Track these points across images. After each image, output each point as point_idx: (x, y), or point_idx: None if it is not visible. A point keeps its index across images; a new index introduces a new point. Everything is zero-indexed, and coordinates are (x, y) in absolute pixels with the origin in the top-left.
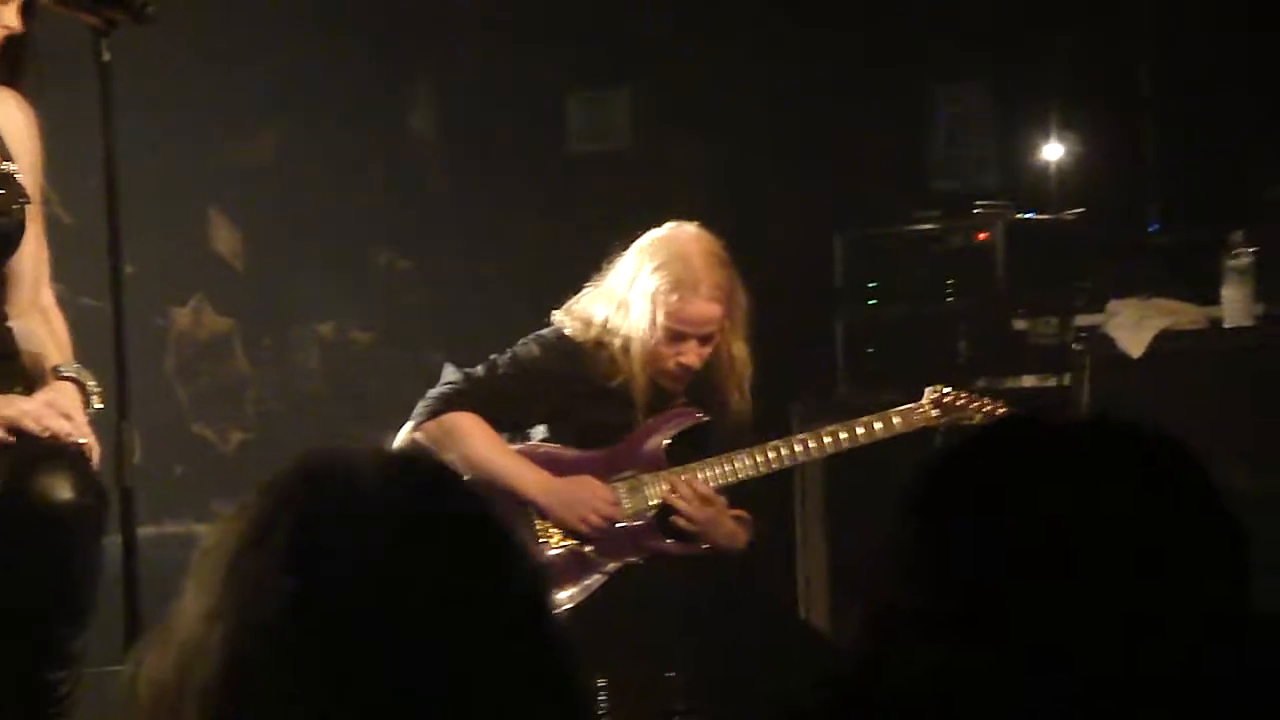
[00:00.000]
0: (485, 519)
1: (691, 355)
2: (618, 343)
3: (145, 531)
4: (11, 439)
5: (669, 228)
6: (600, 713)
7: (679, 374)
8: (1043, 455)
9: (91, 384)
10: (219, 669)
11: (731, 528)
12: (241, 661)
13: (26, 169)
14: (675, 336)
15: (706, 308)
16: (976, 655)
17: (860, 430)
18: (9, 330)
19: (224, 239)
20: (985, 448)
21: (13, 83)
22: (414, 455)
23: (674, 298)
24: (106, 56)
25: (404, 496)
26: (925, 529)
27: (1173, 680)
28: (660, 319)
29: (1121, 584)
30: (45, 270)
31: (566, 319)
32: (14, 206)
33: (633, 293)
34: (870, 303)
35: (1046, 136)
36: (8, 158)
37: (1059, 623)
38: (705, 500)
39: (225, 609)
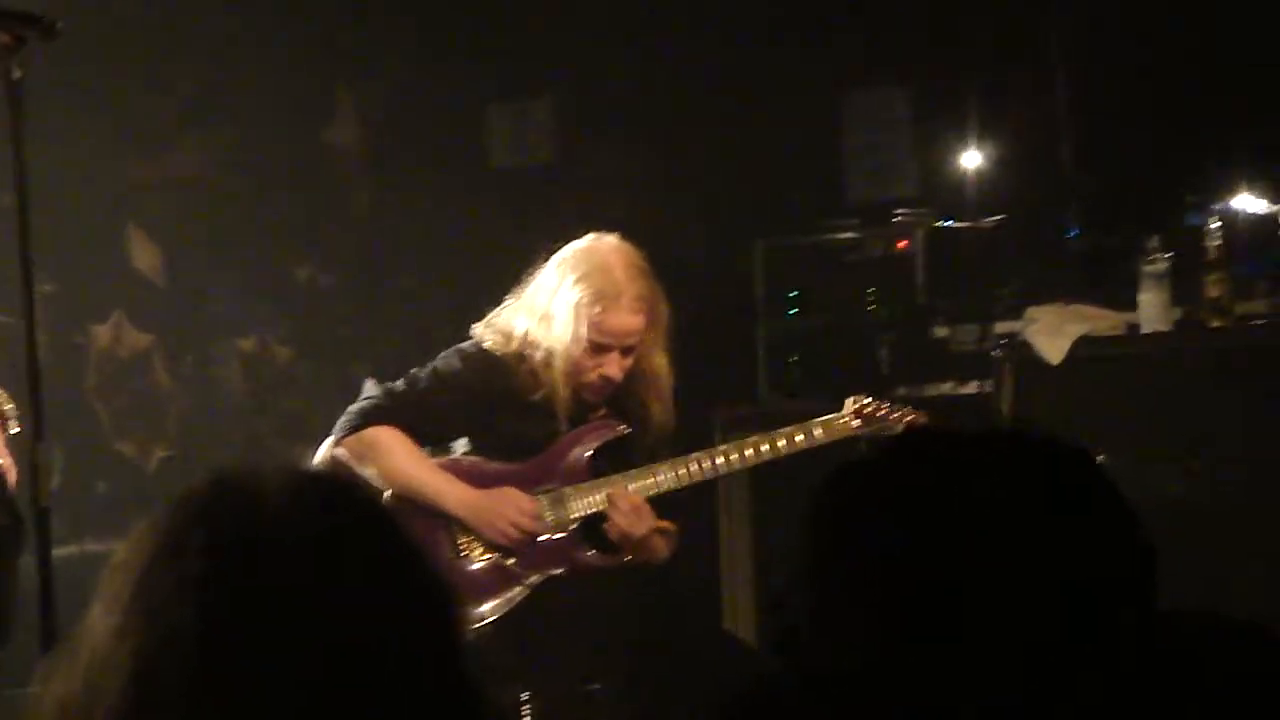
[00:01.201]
0: (392, 537)
1: (613, 367)
2: (539, 355)
3: (66, 551)
4: None
5: (590, 239)
6: None
7: (601, 386)
8: (943, 466)
9: (8, 406)
10: (126, 685)
11: (656, 541)
12: (149, 678)
13: None
14: (597, 348)
15: (629, 319)
16: (864, 666)
17: (782, 442)
18: None
19: (143, 255)
20: (884, 459)
21: None
22: (322, 473)
23: (596, 309)
24: (17, 74)
25: (311, 515)
26: (820, 539)
27: (1073, 695)
28: (582, 331)
29: (1015, 597)
30: None
31: (487, 332)
32: None
33: (554, 305)
34: (791, 312)
35: (964, 144)
36: None
37: (949, 638)
38: (639, 512)
39: (133, 625)
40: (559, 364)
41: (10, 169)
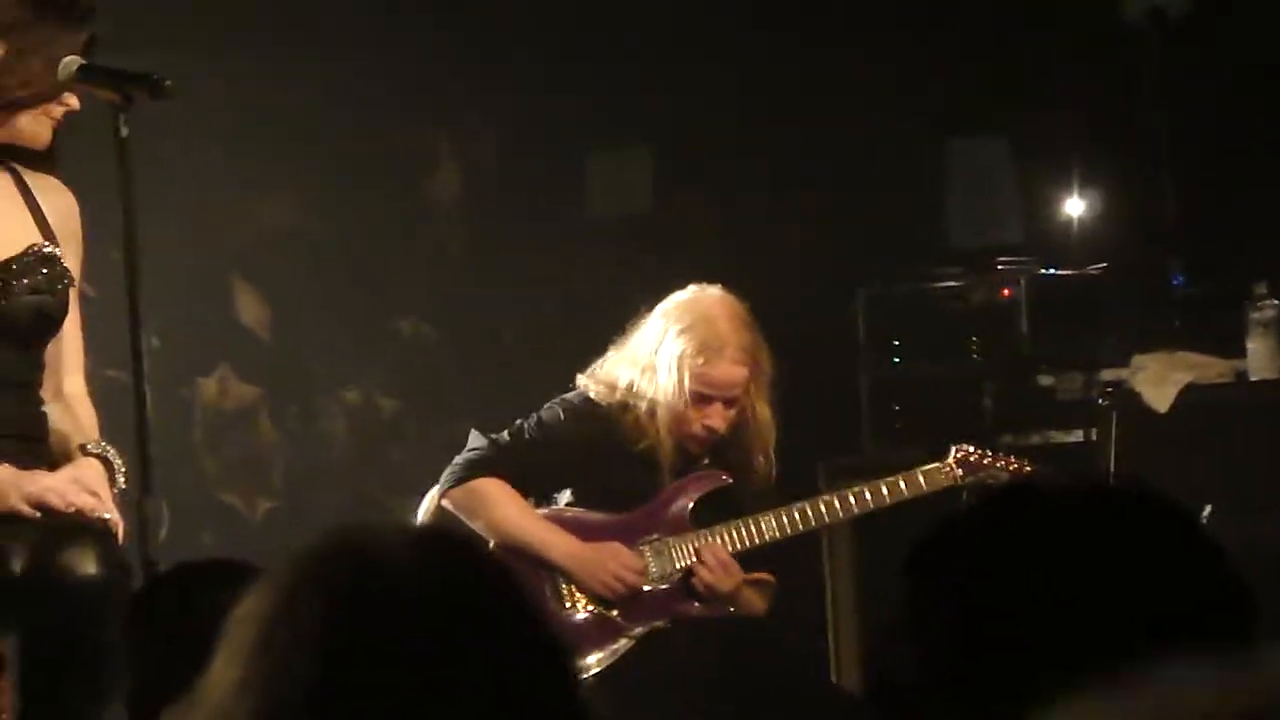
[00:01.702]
0: (514, 600)
1: (717, 418)
2: (643, 406)
3: None
4: (38, 515)
5: (693, 290)
6: None
7: (704, 437)
8: (1040, 520)
9: (117, 461)
10: None
11: (749, 594)
12: None
13: (70, 253)
14: (701, 399)
15: (732, 371)
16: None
17: (885, 491)
18: (42, 414)
19: (248, 308)
20: (986, 510)
21: (53, 166)
22: (443, 532)
23: (700, 361)
24: (125, 132)
25: (433, 575)
26: (919, 591)
27: None
28: (686, 382)
29: (1112, 653)
30: (78, 357)
31: (591, 383)
32: (58, 287)
33: (658, 356)
34: (894, 360)
35: (1068, 191)
36: (52, 240)
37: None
38: (726, 568)
39: (255, 680)
40: (662, 415)
41: (116, 224)
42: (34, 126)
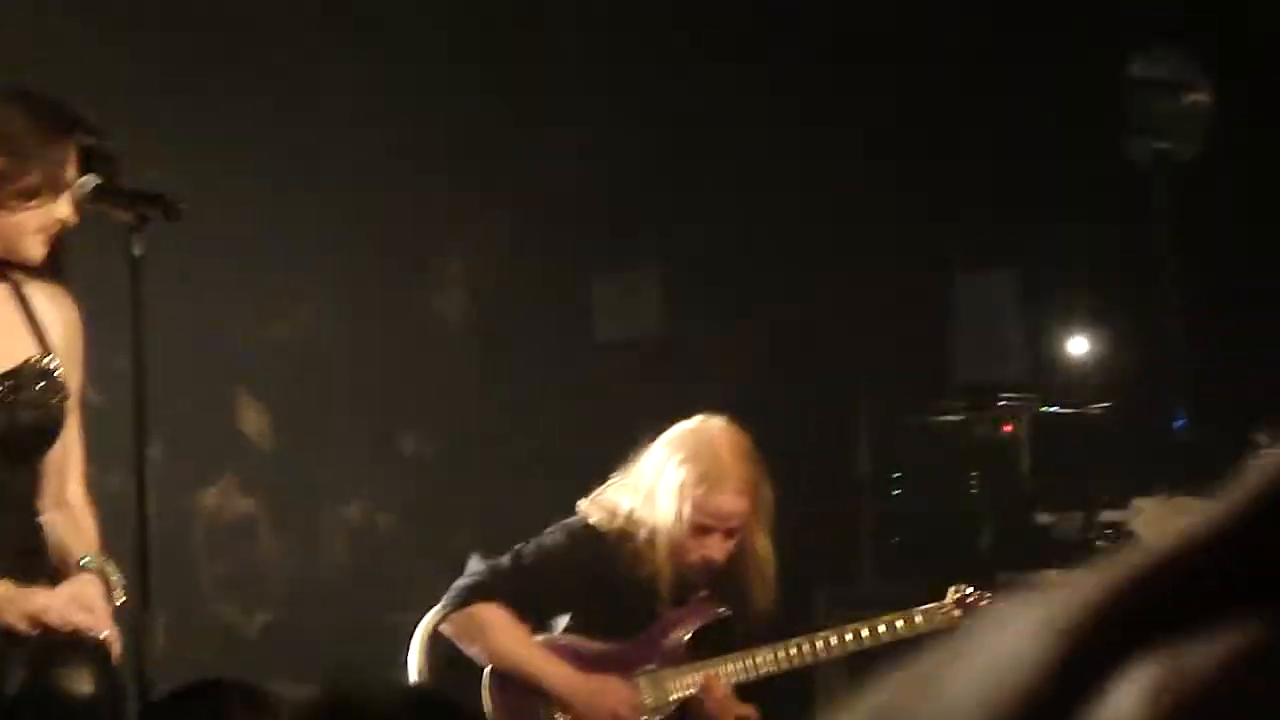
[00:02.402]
0: None
1: (716, 549)
2: (643, 534)
3: None
4: (34, 632)
5: (697, 421)
6: None
7: (703, 567)
8: None
9: (114, 576)
10: None
11: None
12: None
13: (68, 365)
14: (701, 530)
15: (733, 501)
16: None
17: (882, 629)
18: (39, 525)
19: (251, 420)
20: None
21: (55, 277)
22: (427, 692)
23: (700, 490)
24: (138, 251)
25: None
26: None
27: None
28: (686, 511)
29: None
30: (79, 465)
31: (592, 509)
32: (53, 401)
33: (660, 484)
34: (895, 493)
35: (1072, 329)
36: (50, 352)
37: None
38: (723, 704)
39: None
40: (662, 543)
41: (124, 332)
42: (29, 241)
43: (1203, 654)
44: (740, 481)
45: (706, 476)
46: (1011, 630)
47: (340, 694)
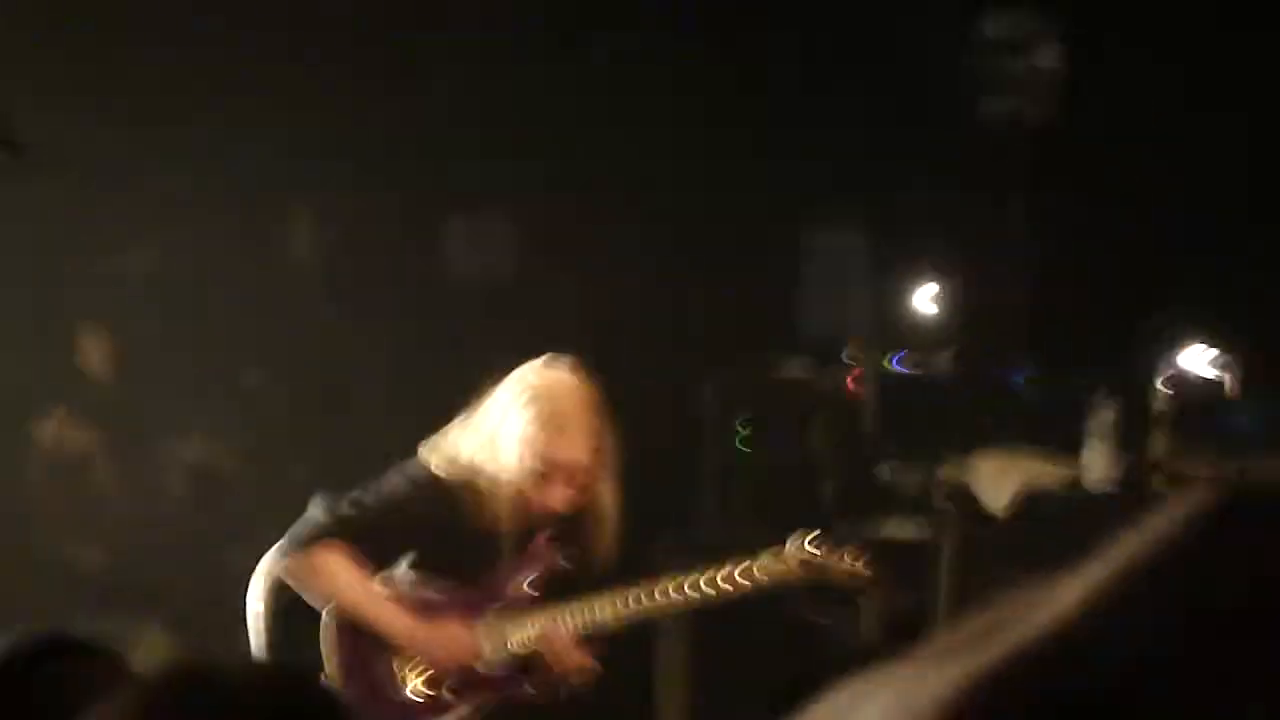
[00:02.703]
0: None
1: (558, 496)
2: (484, 481)
3: None
4: None
5: (541, 365)
6: None
7: (544, 515)
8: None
9: None
10: None
11: (586, 676)
12: None
13: None
14: (543, 477)
15: (575, 451)
16: None
17: (724, 583)
18: None
19: (91, 352)
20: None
21: None
22: (278, 665)
23: (543, 438)
24: None
25: (267, 707)
26: None
27: None
28: (528, 460)
29: None
30: None
31: (434, 456)
32: None
33: (502, 430)
34: (739, 443)
35: (917, 285)
36: None
37: None
38: (563, 652)
39: None
40: (504, 490)
41: None
42: None
43: None
44: (583, 431)
45: (549, 424)
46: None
47: (189, 669)
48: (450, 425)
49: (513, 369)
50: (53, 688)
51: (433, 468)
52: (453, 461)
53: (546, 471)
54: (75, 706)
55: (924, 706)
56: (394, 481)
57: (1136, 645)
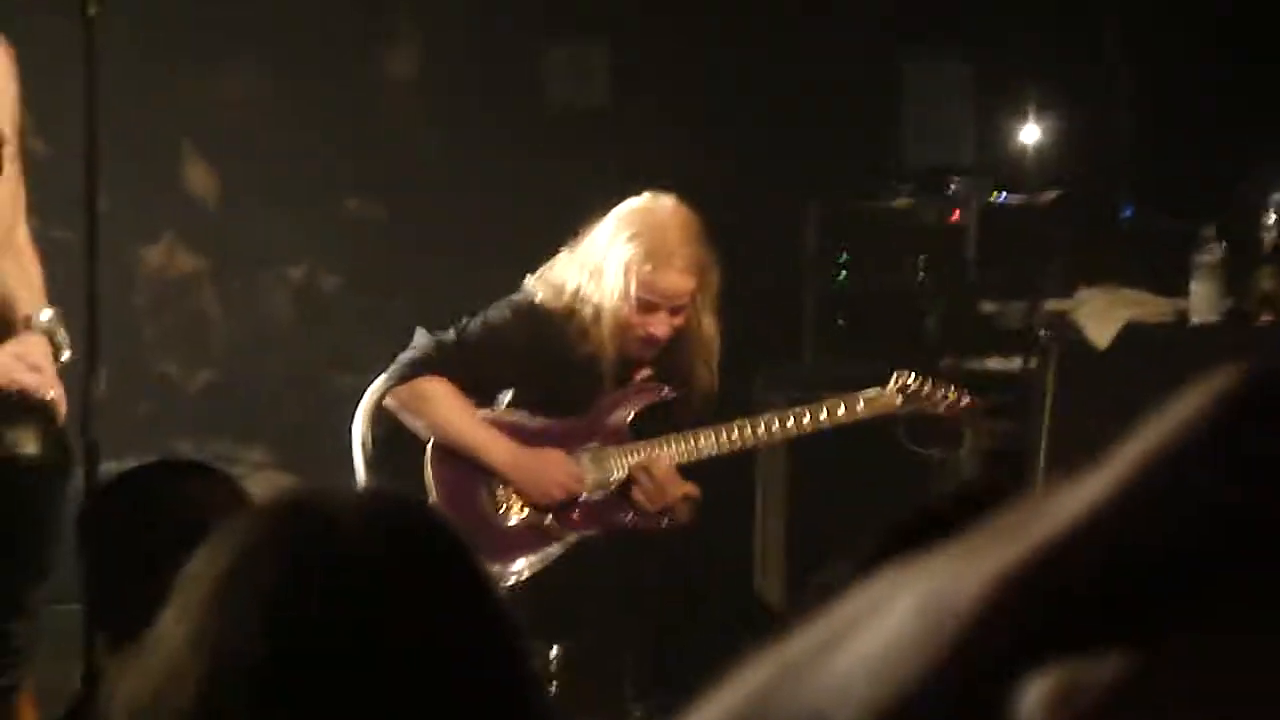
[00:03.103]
0: (464, 567)
1: (661, 326)
2: (588, 311)
3: (105, 467)
4: None
5: (646, 198)
6: (552, 683)
7: (647, 344)
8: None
9: (61, 335)
10: (194, 697)
11: (681, 506)
12: (217, 692)
13: (3, 112)
14: (645, 307)
15: (678, 280)
16: None
17: (824, 415)
18: None
19: (198, 177)
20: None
21: None
22: (397, 497)
23: (647, 268)
24: (93, 11)
25: (385, 540)
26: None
27: None
28: (632, 288)
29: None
30: (20, 210)
31: (539, 285)
32: None
33: (607, 261)
34: (840, 275)
35: (1024, 117)
36: None
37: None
38: (665, 481)
39: (205, 639)
40: (607, 320)
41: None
42: None
43: (1096, 674)
44: (687, 260)
45: (654, 254)
46: (894, 619)
47: (302, 498)
48: (557, 257)
49: (616, 202)
50: (179, 505)
51: (538, 299)
52: (558, 292)
53: (650, 300)
54: (199, 524)
55: (959, 600)
56: (499, 313)
57: (1168, 534)
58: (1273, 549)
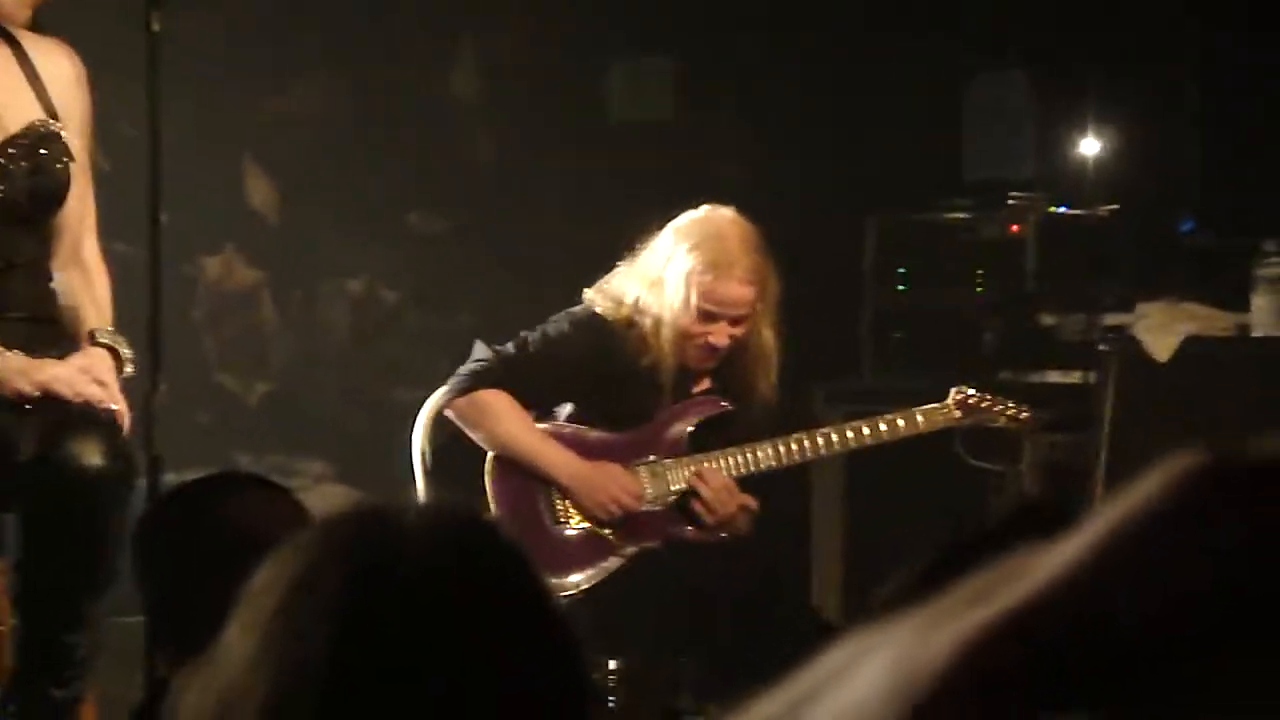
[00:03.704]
0: (527, 581)
1: (721, 336)
2: (648, 322)
3: (165, 479)
4: (45, 401)
5: (705, 210)
6: (610, 697)
7: (707, 354)
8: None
9: (126, 351)
10: (260, 713)
11: (740, 517)
12: (283, 707)
13: (74, 126)
14: (707, 316)
15: (740, 289)
16: None
17: (883, 427)
18: (51, 291)
19: (259, 191)
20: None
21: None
22: (463, 511)
23: (708, 277)
24: (157, 26)
25: (450, 554)
26: None
27: None
28: (693, 298)
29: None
30: (90, 225)
31: (599, 297)
32: (58, 166)
33: (667, 271)
34: (899, 288)
35: (1084, 130)
36: (53, 114)
37: None
38: (728, 490)
39: (269, 653)
40: (667, 331)
41: (134, 99)
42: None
43: None
44: (748, 270)
45: (715, 264)
46: (866, 677)
47: (370, 510)
48: (616, 270)
49: (676, 215)
50: (236, 519)
51: (598, 310)
52: (618, 303)
53: (711, 310)
54: (257, 538)
55: (926, 664)
56: (559, 325)
57: (1137, 604)
58: (1233, 625)
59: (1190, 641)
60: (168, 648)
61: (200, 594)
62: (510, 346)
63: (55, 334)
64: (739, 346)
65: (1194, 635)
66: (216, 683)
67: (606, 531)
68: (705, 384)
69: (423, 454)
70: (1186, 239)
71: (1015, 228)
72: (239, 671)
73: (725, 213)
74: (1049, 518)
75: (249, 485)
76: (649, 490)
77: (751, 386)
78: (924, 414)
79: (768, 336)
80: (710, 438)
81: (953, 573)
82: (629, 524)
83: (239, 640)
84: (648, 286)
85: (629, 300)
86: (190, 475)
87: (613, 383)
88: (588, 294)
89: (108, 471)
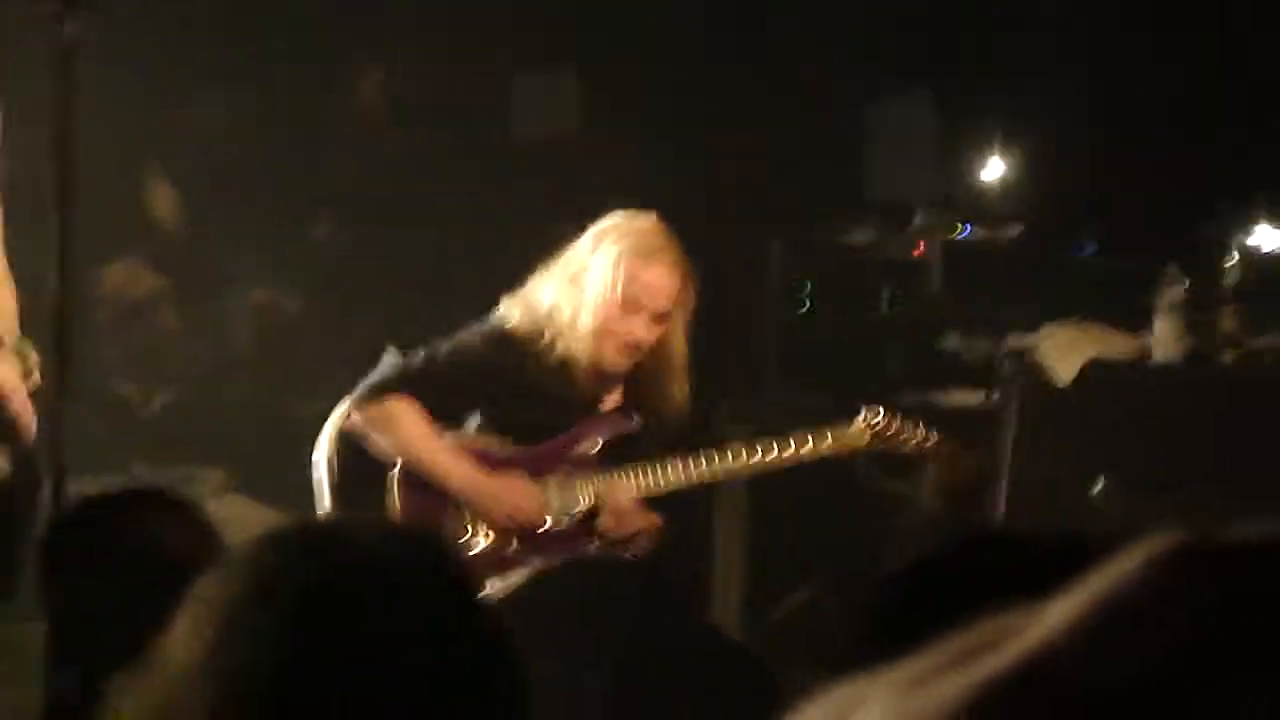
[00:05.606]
0: (473, 597)
1: (642, 330)
2: (561, 332)
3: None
4: None
5: (627, 213)
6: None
7: (628, 351)
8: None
9: (33, 359)
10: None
11: (643, 536)
12: (230, 714)
13: None
14: (631, 307)
15: (666, 277)
16: None
17: (789, 451)
18: None
19: (163, 200)
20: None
21: None
22: (409, 527)
23: (636, 261)
24: (66, 35)
25: (397, 569)
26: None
27: None
28: (619, 283)
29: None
30: None
31: (514, 304)
32: None
33: (592, 260)
34: (803, 308)
35: (989, 152)
36: None
37: None
38: (629, 512)
39: (214, 663)
40: (587, 323)
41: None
42: None
43: None
44: (674, 260)
45: (641, 251)
46: None
47: (321, 525)
48: (531, 278)
49: (585, 225)
50: (148, 538)
51: (511, 322)
52: (533, 311)
53: (637, 296)
54: (166, 558)
55: (927, 713)
56: (468, 337)
57: (1123, 672)
58: (1201, 686)
59: (1161, 701)
60: (72, 664)
61: (109, 611)
62: (419, 357)
63: None
64: (652, 357)
65: (1166, 696)
66: (158, 690)
67: (512, 547)
68: (616, 399)
69: (329, 464)
70: (1089, 261)
71: (919, 249)
72: (182, 680)
73: (644, 215)
74: (994, 550)
75: (157, 502)
76: (555, 505)
77: (663, 400)
78: (834, 436)
79: (680, 344)
80: (619, 453)
81: (907, 610)
82: (534, 539)
83: (183, 648)
84: (568, 282)
85: (545, 305)
86: (89, 484)
87: (521, 396)
88: (504, 301)
89: (14, 482)
